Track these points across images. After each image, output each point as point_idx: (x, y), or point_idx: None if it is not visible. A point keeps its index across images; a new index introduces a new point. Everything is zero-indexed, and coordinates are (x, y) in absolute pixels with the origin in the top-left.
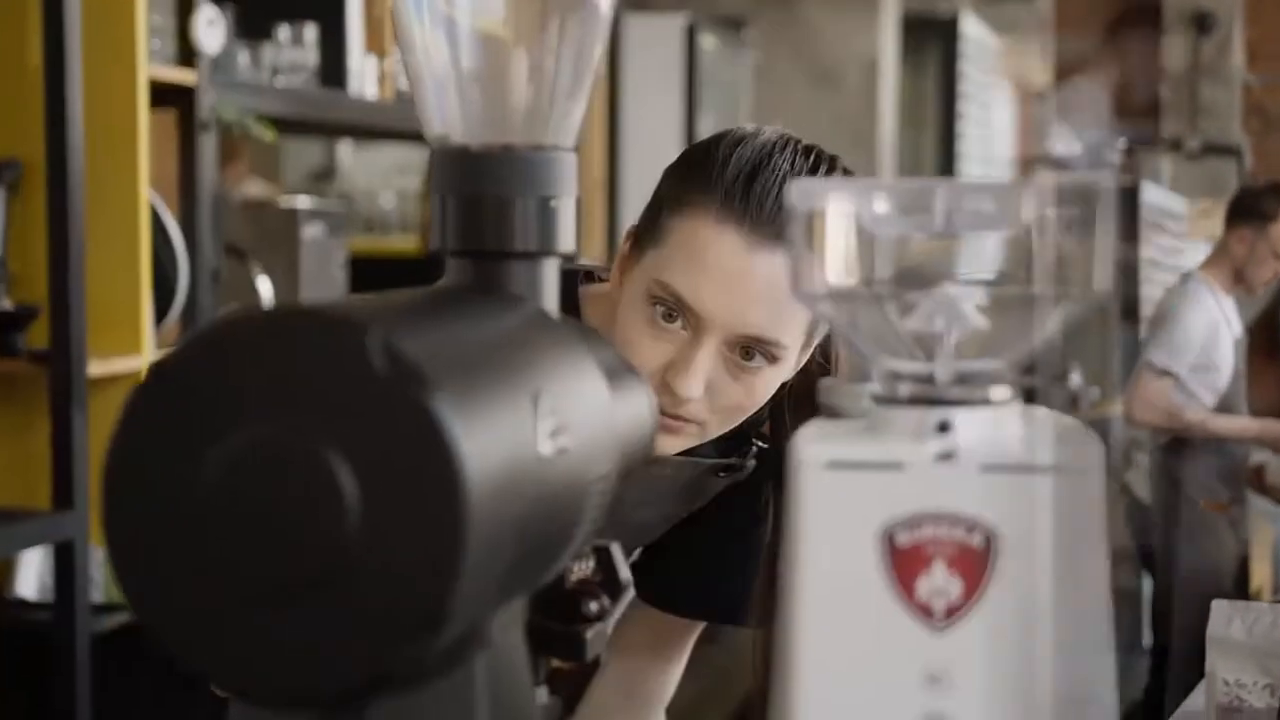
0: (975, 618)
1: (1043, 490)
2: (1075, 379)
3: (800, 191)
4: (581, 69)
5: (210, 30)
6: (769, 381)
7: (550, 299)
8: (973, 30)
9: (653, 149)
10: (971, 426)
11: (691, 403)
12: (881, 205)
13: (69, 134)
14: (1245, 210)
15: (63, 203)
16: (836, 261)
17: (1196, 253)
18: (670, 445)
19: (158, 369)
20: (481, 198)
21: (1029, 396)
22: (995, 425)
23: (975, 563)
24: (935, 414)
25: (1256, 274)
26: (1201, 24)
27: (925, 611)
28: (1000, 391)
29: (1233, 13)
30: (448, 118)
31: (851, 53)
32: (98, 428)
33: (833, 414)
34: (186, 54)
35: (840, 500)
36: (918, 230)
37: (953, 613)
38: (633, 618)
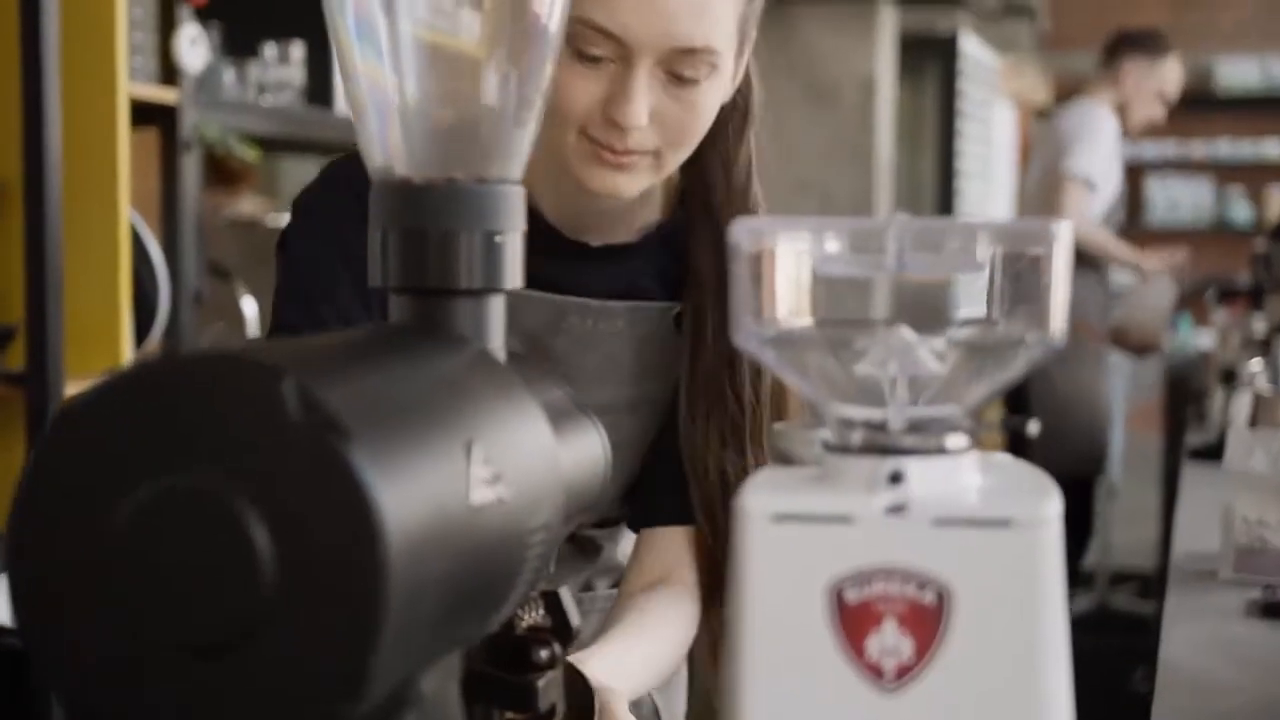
0: (928, 679)
1: (998, 545)
2: None
3: (746, 231)
4: (528, 97)
5: (193, 49)
6: (710, 96)
7: (496, 338)
8: (971, 48)
9: None
10: (925, 477)
11: (637, 132)
12: (832, 245)
13: (47, 152)
14: (1137, 45)
15: (40, 222)
16: (785, 302)
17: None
18: (628, 184)
19: (66, 414)
20: (424, 232)
21: None
22: (950, 475)
23: (928, 621)
24: (887, 464)
25: (1138, 110)
26: None
27: (875, 672)
28: (956, 440)
29: None
30: (390, 149)
31: (849, 71)
32: None
33: (785, 459)
34: (169, 72)
35: (787, 554)
36: (869, 271)
37: (904, 673)
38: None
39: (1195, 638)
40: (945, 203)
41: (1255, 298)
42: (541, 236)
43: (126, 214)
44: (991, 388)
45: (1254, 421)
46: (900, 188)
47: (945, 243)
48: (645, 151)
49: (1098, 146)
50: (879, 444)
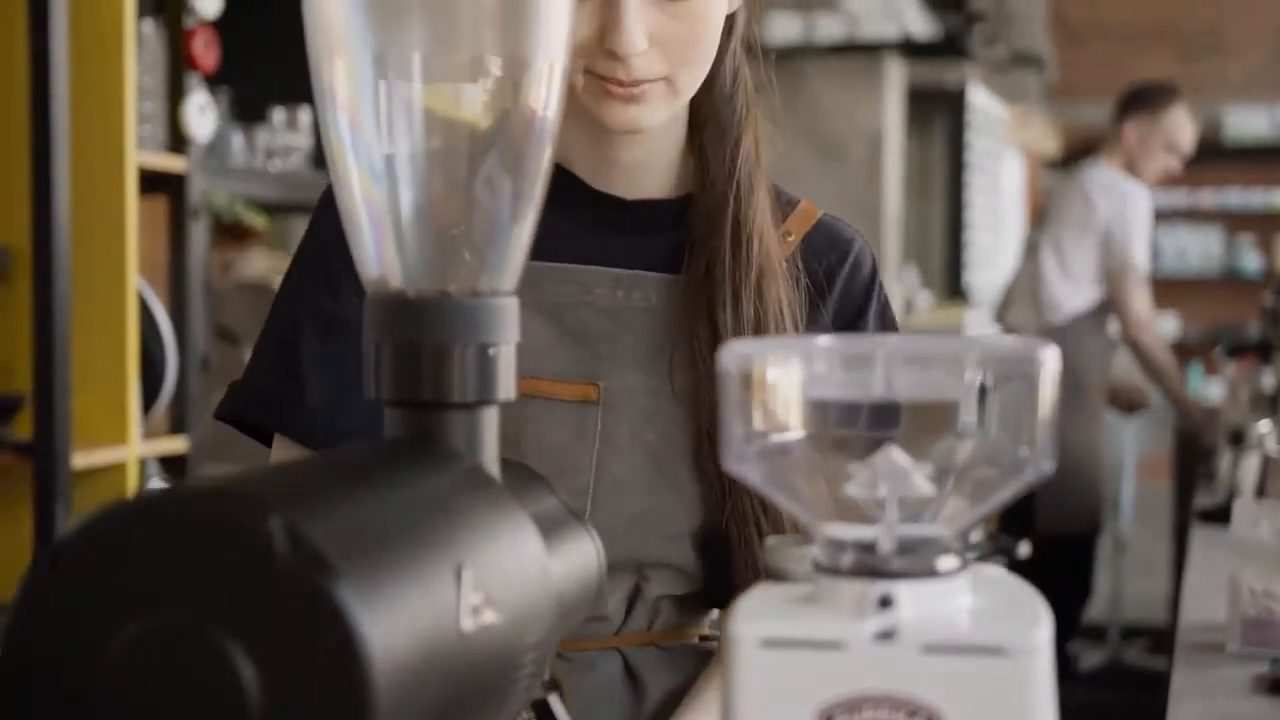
0: None
1: (989, 672)
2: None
3: (734, 355)
4: (522, 208)
5: (201, 117)
6: (709, 6)
7: (489, 450)
8: (980, 100)
9: None
10: (916, 601)
11: (639, 58)
12: (820, 366)
13: (56, 222)
14: (1139, 102)
15: (48, 291)
16: (773, 423)
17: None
18: (646, 115)
19: (56, 553)
20: (418, 346)
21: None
22: (941, 599)
23: None
24: (877, 587)
25: (1147, 165)
26: None
27: None
28: (947, 561)
29: None
30: (384, 261)
31: (856, 126)
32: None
33: (776, 575)
34: (178, 140)
35: (776, 680)
36: (858, 393)
37: None
38: None
39: (1203, 716)
40: (954, 254)
41: (1264, 352)
42: (569, 192)
43: (134, 283)
44: (983, 509)
45: (1263, 483)
46: (909, 240)
47: (932, 364)
48: (654, 79)
49: (1146, 229)
50: (869, 566)
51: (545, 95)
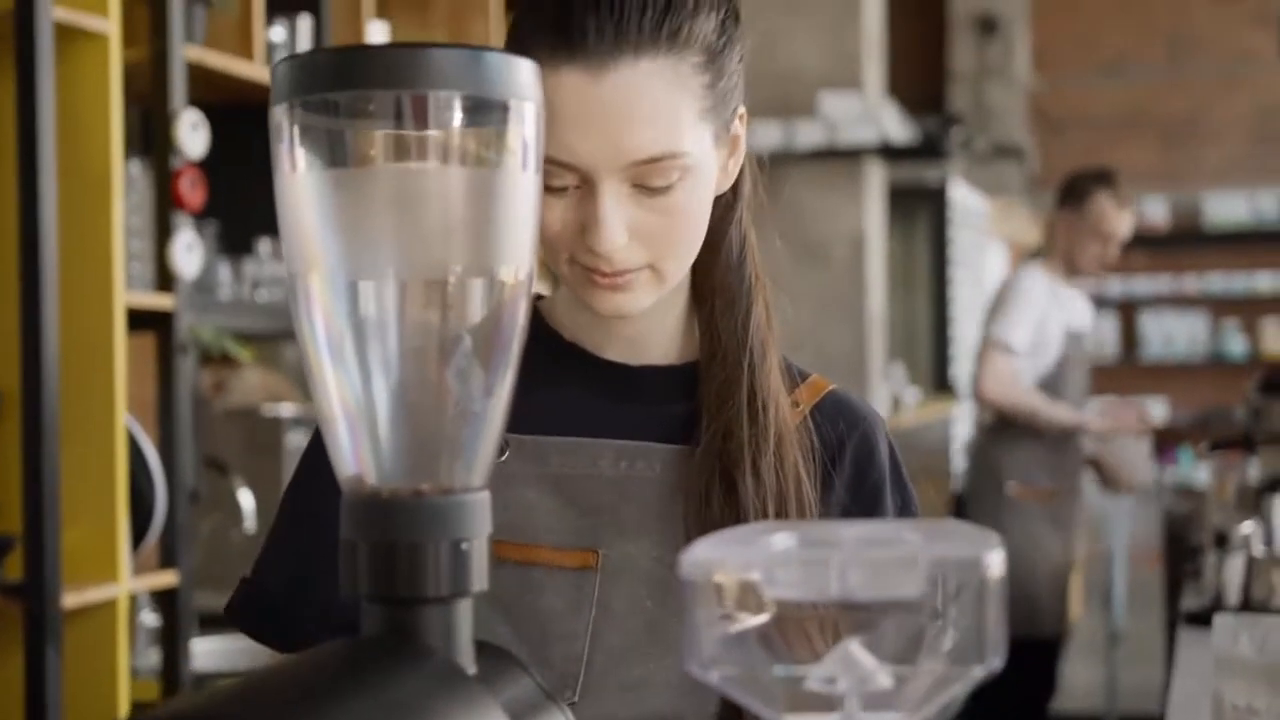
0: None
1: None
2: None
3: (693, 564)
4: (493, 408)
5: (188, 255)
6: (692, 194)
7: (464, 640)
8: (961, 196)
9: None
10: None
11: (620, 252)
12: (779, 569)
13: (45, 363)
14: (1065, 195)
15: (38, 432)
16: (734, 621)
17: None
18: (631, 302)
19: None
20: (393, 545)
21: None
22: None
23: None
24: None
25: (1081, 256)
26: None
27: None
28: None
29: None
30: (359, 461)
31: (839, 228)
32: (72, 661)
33: None
34: (165, 278)
35: None
36: (814, 595)
37: None
38: None
39: None
40: (940, 348)
41: (1250, 445)
42: (576, 364)
43: (123, 422)
44: (940, 699)
45: (1248, 587)
46: (895, 336)
47: (886, 567)
48: (637, 268)
49: (1022, 310)
50: None
51: (513, 299)
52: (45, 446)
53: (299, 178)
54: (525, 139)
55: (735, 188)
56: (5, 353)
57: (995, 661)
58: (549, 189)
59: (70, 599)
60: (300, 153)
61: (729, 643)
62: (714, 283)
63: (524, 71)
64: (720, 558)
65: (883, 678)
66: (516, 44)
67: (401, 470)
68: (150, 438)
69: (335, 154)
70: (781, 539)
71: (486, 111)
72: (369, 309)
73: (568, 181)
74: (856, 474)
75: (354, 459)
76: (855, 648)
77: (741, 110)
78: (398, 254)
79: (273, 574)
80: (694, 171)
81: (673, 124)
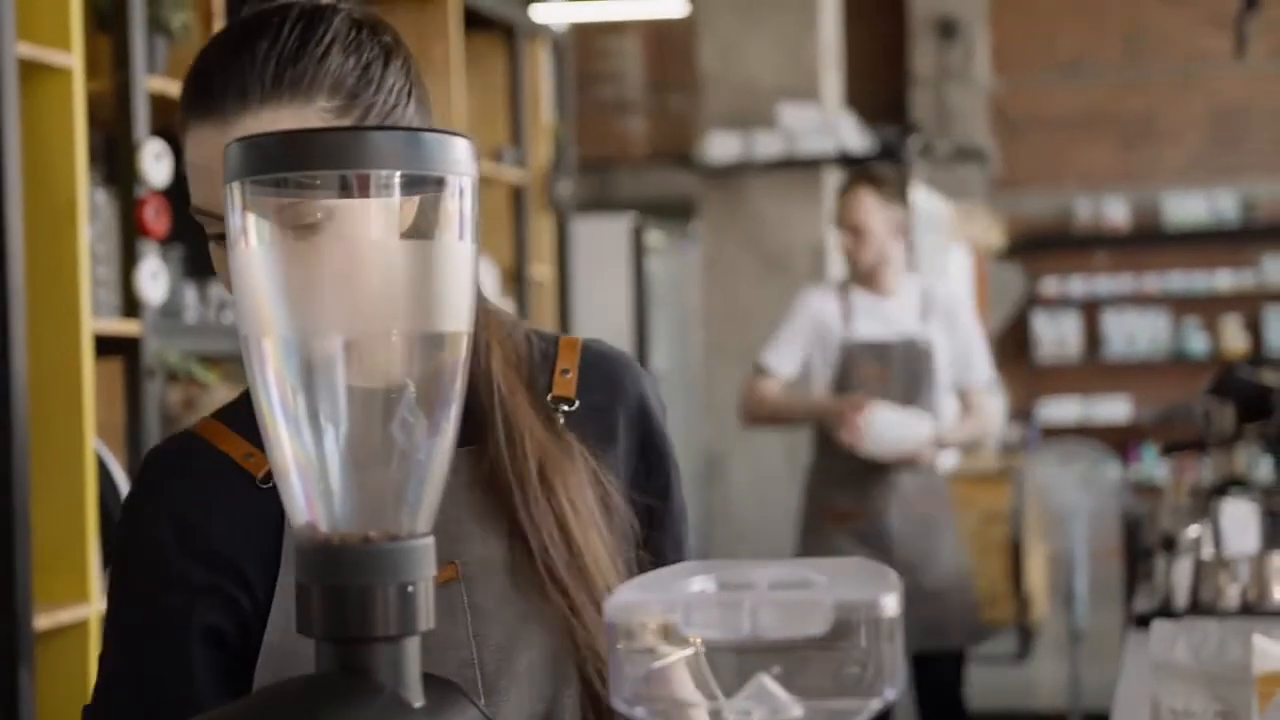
0: None
1: None
2: None
3: (619, 608)
4: (436, 457)
5: (154, 282)
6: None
7: (411, 675)
8: (923, 200)
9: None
10: None
11: None
12: (696, 613)
13: (13, 390)
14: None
15: (7, 457)
16: (654, 659)
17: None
18: None
19: None
20: (344, 588)
21: None
22: None
23: None
24: None
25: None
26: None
27: None
28: None
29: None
30: (312, 509)
31: (798, 237)
32: (45, 682)
33: None
34: (131, 304)
35: None
36: (729, 634)
37: None
38: None
39: None
40: None
41: (1203, 446)
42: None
43: (91, 446)
44: None
45: (1196, 588)
46: None
47: (792, 609)
48: None
49: (783, 332)
50: None
51: (453, 355)
52: (15, 471)
53: (251, 249)
54: (462, 211)
55: None
56: None
57: (892, 692)
58: (212, 238)
59: (42, 620)
60: (252, 226)
61: (651, 679)
62: None
63: (459, 149)
64: (642, 601)
65: (794, 709)
66: (179, 109)
67: (351, 518)
68: (119, 461)
69: (284, 228)
70: (699, 582)
71: (424, 186)
72: (318, 368)
73: (222, 229)
74: (637, 424)
75: (306, 508)
76: (768, 681)
77: None
78: (344, 318)
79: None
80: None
81: None
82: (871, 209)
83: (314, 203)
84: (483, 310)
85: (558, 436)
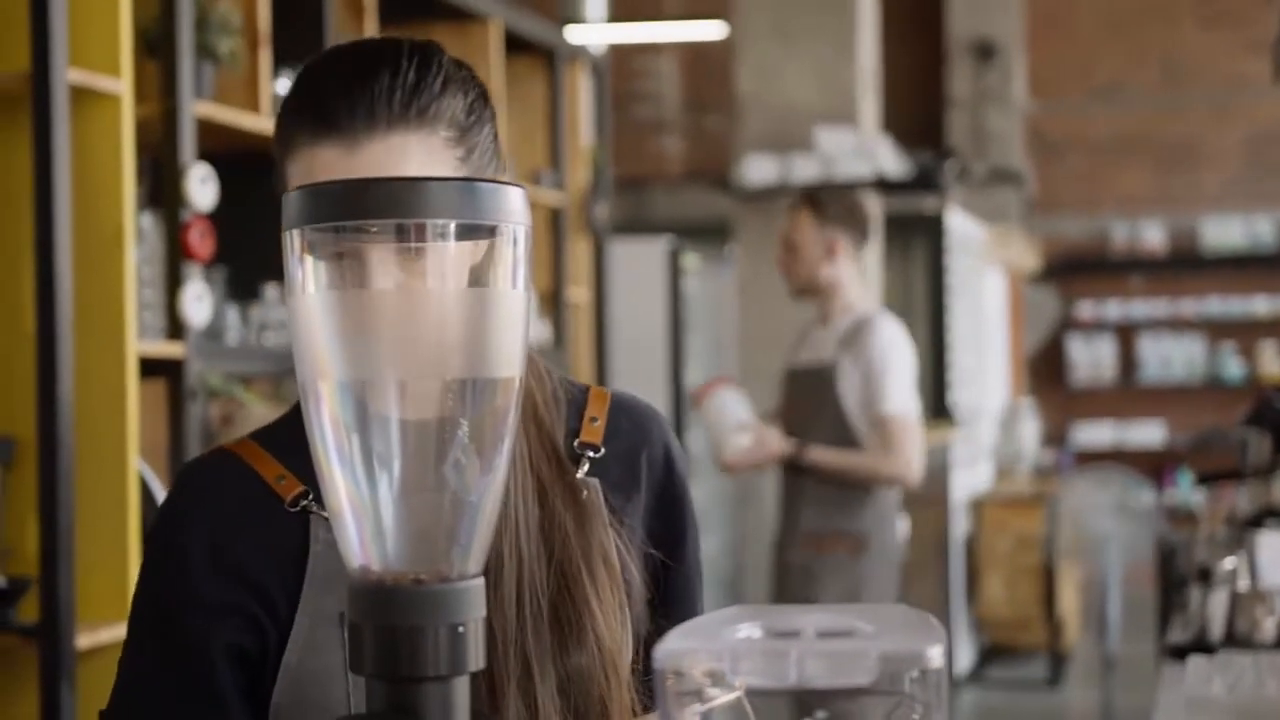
0: None
1: None
2: None
3: (664, 654)
4: (487, 502)
5: (198, 304)
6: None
7: (460, 716)
8: (958, 223)
9: (641, 368)
10: None
11: None
12: (742, 662)
13: (60, 411)
14: None
15: (53, 479)
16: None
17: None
18: None
19: None
20: (395, 628)
21: None
22: None
23: None
24: None
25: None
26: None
27: None
28: None
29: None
30: (366, 551)
31: None
32: (86, 700)
33: None
34: (176, 326)
35: None
36: (775, 682)
37: None
38: None
39: None
40: (939, 375)
41: (1240, 475)
42: None
43: (135, 467)
44: None
45: (1232, 620)
46: None
47: (841, 658)
48: None
49: None
50: None
51: (505, 398)
52: (60, 491)
53: (308, 296)
54: (515, 258)
55: None
56: (22, 400)
57: None
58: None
59: (84, 640)
60: (310, 273)
61: None
62: None
63: (513, 198)
64: (689, 649)
65: None
66: (283, 126)
67: (403, 559)
68: (161, 481)
69: (341, 275)
70: (745, 629)
71: (478, 235)
72: (372, 412)
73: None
74: (659, 474)
75: (360, 550)
76: None
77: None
78: (399, 363)
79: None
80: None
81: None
82: (804, 227)
83: (370, 253)
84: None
85: (568, 483)
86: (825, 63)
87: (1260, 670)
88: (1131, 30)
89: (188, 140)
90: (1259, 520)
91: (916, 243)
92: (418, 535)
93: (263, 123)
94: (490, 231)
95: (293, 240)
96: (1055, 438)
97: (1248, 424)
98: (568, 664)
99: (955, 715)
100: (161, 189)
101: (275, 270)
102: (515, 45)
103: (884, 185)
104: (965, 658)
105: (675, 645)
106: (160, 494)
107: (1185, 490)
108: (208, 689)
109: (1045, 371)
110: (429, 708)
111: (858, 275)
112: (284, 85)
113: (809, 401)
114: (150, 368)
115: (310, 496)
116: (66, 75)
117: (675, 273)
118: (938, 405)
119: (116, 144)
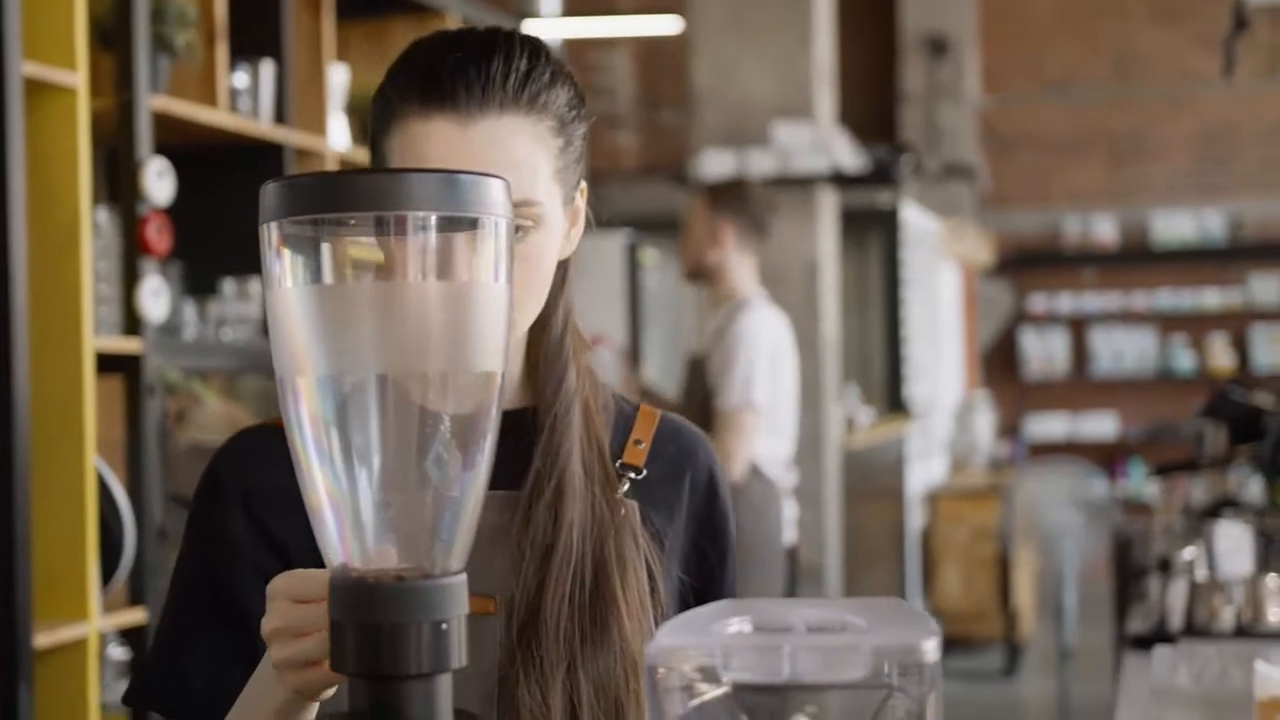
0: None
1: None
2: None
3: (661, 651)
4: (468, 498)
5: (155, 300)
6: (542, 246)
7: (444, 713)
8: (913, 217)
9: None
10: None
11: None
12: (734, 657)
13: (15, 407)
14: None
15: (9, 475)
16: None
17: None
18: None
19: None
20: (378, 626)
21: None
22: None
23: None
24: None
25: None
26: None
27: None
28: None
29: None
30: (346, 549)
31: (792, 255)
32: (45, 700)
33: None
34: (133, 322)
35: None
36: (767, 678)
37: None
38: None
39: None
40: (894, 368)
41: (1194, 467)
42: None
43: (92, 464)
44: None
45: (1191, 610)
46: (849, 358)
47: (833, 652)
48: None
49: None
50: None
51: (486, 393)
52: (16, 489)
53: (286, 291)
54: (497, 251)
55: (563, 267)
56: None
57: None
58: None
59: (42, 638)
60: (287, 267)
61: (689, 718)
62: (540, 354)
63: (494, 190)
64: (681, 645)
65: None
66: (388, 98)
67: (385, 555)
68: (118, 477)
69: (320, 268)
70: (736, 624)
71: (459, 227)
72: (352, 407)
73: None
74: (700, 499)
75: (341, 547)
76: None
77: (583, 185)
78: (378, 358)
79: (192, 660)
80: (545, 224)
81: (531, 174)
82: (697, 213)
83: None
84: (575, 344)
85: (609, 502)
86: (781, 57)
87: (1224, 659)
88: (1083, 25)
89: (144, 134)
90: (1216, 510)
91: (872, 237)
92: (399, 531)
93: (220, 116)
94: (472, 224)
95: (270, 233)
96: (1009, 430)
97: (1203, 416)
98: (596, 664)
99: None
100: (118, 183)
101: (233, 265)
102: None
103: (840, 179)
104: None
105: (666, 641)
106: (119, 491)
107: (1137, 481)
108: (249, 652)
109: (999, 364)
110: (412, 705)
111: (747, 266)
112: (241, 78)
113: (689, 390)
114: (107, 363)
115: None
116: (21, 68)
117: (633, 267)
118: (893, 398)
119: (72, 138)
